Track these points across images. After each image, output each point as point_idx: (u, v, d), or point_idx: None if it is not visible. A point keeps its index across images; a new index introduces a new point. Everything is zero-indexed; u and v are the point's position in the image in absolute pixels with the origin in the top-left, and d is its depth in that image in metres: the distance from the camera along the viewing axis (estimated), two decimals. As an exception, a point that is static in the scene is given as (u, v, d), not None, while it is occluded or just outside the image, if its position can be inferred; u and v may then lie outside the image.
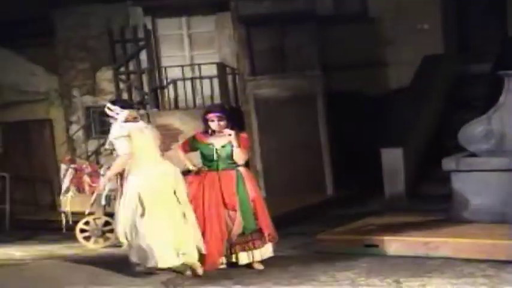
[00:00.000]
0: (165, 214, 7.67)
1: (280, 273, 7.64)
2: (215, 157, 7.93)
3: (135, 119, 8.25)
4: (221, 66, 15.78)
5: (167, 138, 15.46)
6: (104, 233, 11.02)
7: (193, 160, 8.50)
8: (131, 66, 16.50)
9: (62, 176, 11.43)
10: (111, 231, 10.97)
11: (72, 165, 11.51)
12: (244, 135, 8.17)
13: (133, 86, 16.46)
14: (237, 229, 7.80)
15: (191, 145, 8.33)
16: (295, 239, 9.62)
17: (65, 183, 11.27)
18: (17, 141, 17.40)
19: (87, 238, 10.98)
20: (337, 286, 6.90)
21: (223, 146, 7.95)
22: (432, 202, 10.57)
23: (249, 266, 7.95)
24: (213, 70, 15.78)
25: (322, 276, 7.37)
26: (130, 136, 7.93)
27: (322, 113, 14.57)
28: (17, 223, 13.72)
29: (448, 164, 9.51)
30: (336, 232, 9.37)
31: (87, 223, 11.02)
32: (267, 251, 8.00)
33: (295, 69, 14.78)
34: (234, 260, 7.94)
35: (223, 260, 7.93)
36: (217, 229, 7.73)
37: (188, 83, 15.96)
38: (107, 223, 11.00)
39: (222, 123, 7.95)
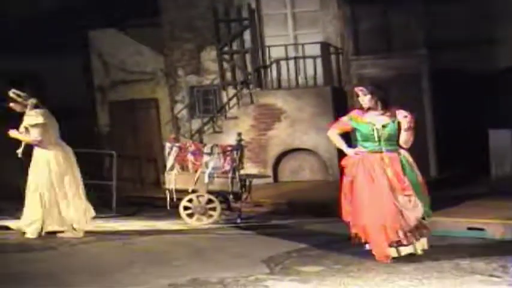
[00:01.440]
0: None
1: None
2: (376, 137, 7.26)
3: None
4: (325, 46, 15.66)
5: (269, 118, 15.52)
6: (206, 210, 11.16)
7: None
8: (235, 46, 16.59)
9: (166, 154, 11.62)
10: (214, 209, 11.13)
11: (177, 144, 11.68)
12: (411, 116, 7.27)
13: (236, 66, 16.56)
14: (416, 214, 7.13)
15: (347, 124, 7.62)
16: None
17: (170, 162, 11.47)
18: (124, 120, 17.83)
19: (190, 215, 11.15)
20: (440, 269, 6.75)
21: (384, 126, 7.24)
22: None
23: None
24: (316, 49, 15.67)
25: (424, 259, 7.21)
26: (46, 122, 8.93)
27: (427, 92, 14.26)
28: (123, 200, 14.07)
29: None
30: (439, 214, 9.16)
31: (190, 200, 11.18)
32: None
33: (400, 48, 14.50)
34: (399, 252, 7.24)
35: (395, 251, 7.22)
36: (390, 217, 7.07)
37: (291, 63, 15.92)
38: (209, 201, 11.14)
39: (366, 98, 7.30)
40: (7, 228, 9.64)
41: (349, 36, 15.07)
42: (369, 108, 7.35)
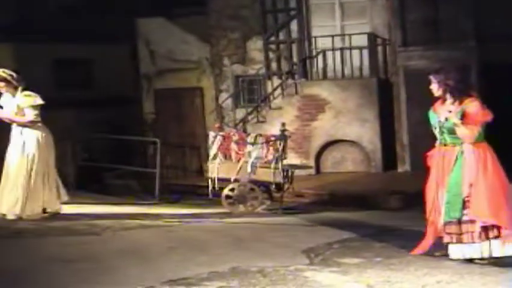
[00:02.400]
0: None
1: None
2: (439, 129, 6.81)
3: None
4: (372, 37, 15.54)
5: (313, 109, 15.47)
6: (248, 199, 11.17)
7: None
8: (281, 36, 16.56)
9: (210, 143, 11.66)
10: (256, 198, 11.13)
11: (221, 133, 11.71)
12: (473, 109, 6.70)
13: (282, 56, 16.52)
14: (441, 214, 6.74)
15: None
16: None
17: (213, 150, 11.50)
18: (169, 108, 17.95)
19: (232, 204, 11.18)
20: (484, 265, 6.63)
21: (446, 119, 6.73)
22: None
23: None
24: (363, 40, 15.56)
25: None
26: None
27: (476, 85, 14.04)
28: (166, 187, 14.18)
29: None
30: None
31: (232, 189, 11.20)
32: (497, 248, 6.60)
33: (448, 40, 14.32)
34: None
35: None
36: (432, 212, 6.81)
37: (337, 53, 15.82)
38: (251, 190, 11.15)
39: (435, 87, 6.84)
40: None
41: (396, 27, 14.93)
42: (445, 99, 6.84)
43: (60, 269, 6.40)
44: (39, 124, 9.10)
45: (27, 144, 8.96)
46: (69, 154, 14.00)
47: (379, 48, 15.67)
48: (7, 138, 9.26)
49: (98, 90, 19.85)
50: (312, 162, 15.26)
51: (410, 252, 6.98)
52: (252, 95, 17.03)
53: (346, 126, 15.37)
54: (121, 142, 16.47)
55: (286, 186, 11.49)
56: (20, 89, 9.03)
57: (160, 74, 18.11)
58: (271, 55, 16.63)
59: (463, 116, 6.65)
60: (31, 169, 8.93)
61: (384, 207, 11.76)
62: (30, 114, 8.97)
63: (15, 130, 9.12)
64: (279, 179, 11.24)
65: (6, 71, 9.10)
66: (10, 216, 8.89)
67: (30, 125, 9.00)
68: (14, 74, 9.09)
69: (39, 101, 9.06)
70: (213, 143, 11.56)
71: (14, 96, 9.04)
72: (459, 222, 6.65)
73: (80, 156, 16.81)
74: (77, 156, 15.86)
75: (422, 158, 7.14)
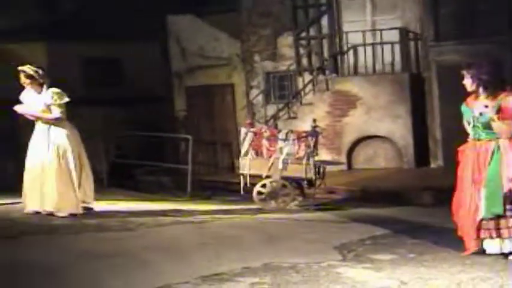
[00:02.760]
0: None
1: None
2: (474, 125, 6.70)
3: None
4: (404, 32, 15.44)
5: (345, 104, 15.42)
6: (280, 196, 11.16)
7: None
8: (312, 32, 16.53)
9: (241, 139, 11.67)
10: (287, 194, 11.12)
11: (252, 129, 11.71)
12: (508, 104, 6.60)
13: (313, 52, 16.48)
14: (479, 210, 6.63)
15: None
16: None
17: (244, 147, 11.51)
18: (200, 105, 18.00)
19: (263, 200, 11.18)
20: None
21: (480, 114, 6.64)
22: None
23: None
24: (395, 35, 15.47)
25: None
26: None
27: (510, 81, 13.88)
28: (198, 183, 14.22)
29: None
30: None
31: (264, 186, 11.21)
32: None
33: (481, 35, 14.17)
34: (482, 246, 6.73)
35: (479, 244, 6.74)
36: (467, 209, 6.68)
37: (369, 49, 15.75)
38: (283, 186, 11.14)
39: (468, 82, 6.75)
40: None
41: (428, 21, 14.82)
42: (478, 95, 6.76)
43: (95, 264, 6.46)
44: (66, 121, 9.08)
45: (58, 140, 8.91)
46: (101, 151, 14.09)
47: (411, 43, 15.56)
48: (30, 135, 9.24)
49: (128, 88, 19.98)
50: (343, 158, 15.22)
51: (463, 254, 6.79)
52: (282, 91, 17.02)
53: (377, 122, 15.30)
54: (153, 139, 16.57)
55: (318, 182, 11.46)
56: (45, 85, 8.97)
57: (191, 71, 18.17)
58: (301, 51, 16.61)
59: (499, 111, 6.57)
60: (66, 164, 8.93)
61: (416, 203, 11.68)
62: (57, 112, 8.92)
63: (41, 127, 9.04)
64: (311, 175, 11.22)
65: (31, 67, 8.95)
66: (52, 211, 8.92)
67: (57, 122, 8.95)
68: (40, 71, 8.96)
69: (66, 98, 9.01)
70: (244, 139, 11.57)
71: (39, 92, 8.96)
72: (498, 217, 6.58)
73: (113, 153, 16.95)
74: (109, 154, 15.98)
75: (455, 153, 7.06)
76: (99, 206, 9.84)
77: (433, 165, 15.14)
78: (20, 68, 8.99)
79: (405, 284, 5.78)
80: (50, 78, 9.10)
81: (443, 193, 11.20)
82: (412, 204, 11.67)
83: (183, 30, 18.22)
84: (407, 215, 10.29)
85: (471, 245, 6.76)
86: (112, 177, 14.70)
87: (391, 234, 8.27)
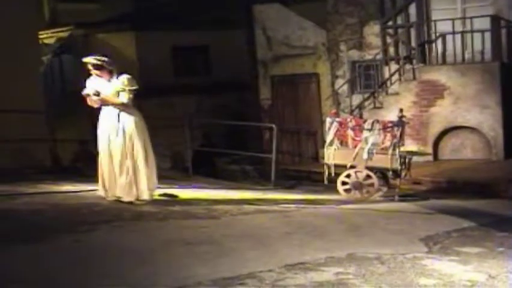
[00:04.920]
0: None
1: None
2: None
3: None
4: (495, 19, 15.03)
5: (432, 94, 15.16)
6: (364, 186, 11.09)
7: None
8: (399, 20, 16.30)
9: (326, 129, 11.65)
10: (372, 185, 11.04)
11: (337, 119, 11.67)
12: None
13: (400, 41, 16.26)
14: None
15: None
16: None
17: (329, 136, 11.48)
18: (285, 94, 18.03)
19: (347, 190, 11.14)
20: None
21: None
22: None
23: None
24: (485, 23, 15.09)
25: None
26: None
27: None
28: (282, 172, 14.25)
29: None
30: None
31: (348, 176, 11.16)
32: None
33: None
34: None
35: None
36: None
37: (458, 37, 15.42)
38: (368, 177, 11.07)
39: None
40: (171, 195, 9.96)
41: (521, 9, 14.39)
42: None
43: (180, 251, 6.57)
44: (134, 108, 9.17)
45: (127, 126, 9.01)
46: (187, 139, 14.29)
47: (503, 31, 15.15)
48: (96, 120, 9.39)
49: (215, 76, 20.19)
50: (429, 149, 14.98)
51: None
52: (368, 81, 16.86)
53: (465, 112, 14.99)
54: (238, 127, 16.69)
55: (403, 173, 11.34)
56: (114, 72, 9.08)
57: (276, 60, 18.21)
58: (388, 40, 16.40)
59: None
60: (137, 151, 9.05)
61: (505, 196, 11.42)
62: (125, 98, 9.04)
63: (110, 112, 9.07)
64: (396, 165, 11.11)
65: (97, 57, 9.03)
66: (126, 199, 9.07)
67: (124, 108, 9.05)
68: (106, 59, 9.03)
69: (135, 85, 9.10)
70: (329, 129, 11.54)
71: (109, 80, 9.05)
72: None
73: (200, 142, 17.16)
74: (194, 142, 16.19)
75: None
76: (184, 193, 9.98)
77: (523, 158, 14.75)
78: (85, 60, 9.12)
79: (493, 278, 5.67)
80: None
81: (534, 186, 10.95)
82: (500, 197, 11.41)
83: (269, 19, 18.26)
84: (495, 207, 10.08)
85: None
86: (196, 164, 14.88)
87: (477, 226, 8.12)
